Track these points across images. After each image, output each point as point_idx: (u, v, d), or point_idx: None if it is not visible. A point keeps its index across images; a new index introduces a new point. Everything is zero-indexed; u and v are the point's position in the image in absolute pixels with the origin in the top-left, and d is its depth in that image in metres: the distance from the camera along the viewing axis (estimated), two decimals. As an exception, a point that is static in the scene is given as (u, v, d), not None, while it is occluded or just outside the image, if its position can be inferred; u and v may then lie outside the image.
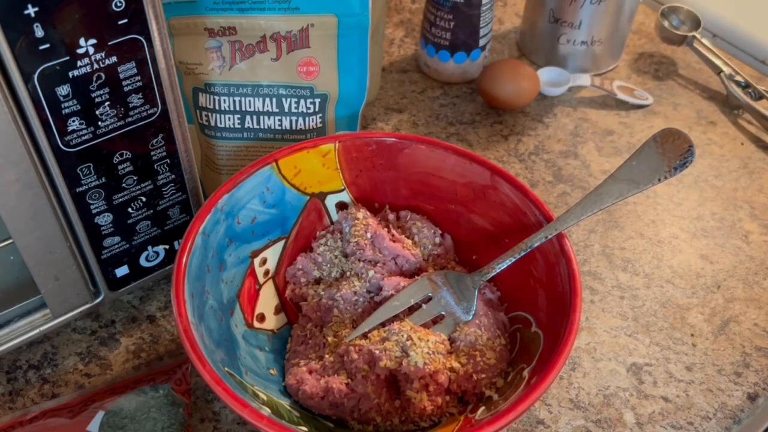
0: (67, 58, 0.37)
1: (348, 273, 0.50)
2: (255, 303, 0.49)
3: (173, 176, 0.46)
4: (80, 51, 0.37)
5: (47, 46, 0.36)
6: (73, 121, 0.39)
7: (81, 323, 0.52)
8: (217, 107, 0.55)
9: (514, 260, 0.47)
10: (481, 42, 0.71)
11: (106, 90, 0.39)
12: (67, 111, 0.39)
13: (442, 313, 0.47)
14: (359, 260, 0.50)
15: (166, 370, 0.49)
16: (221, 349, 0.43)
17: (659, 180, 0.47)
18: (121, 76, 0.39)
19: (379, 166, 0.52)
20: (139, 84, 0.40)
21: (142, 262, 0.49)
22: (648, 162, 0.48)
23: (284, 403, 0.44)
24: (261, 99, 0.55)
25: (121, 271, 0.48)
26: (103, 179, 0.43)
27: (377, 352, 0.44)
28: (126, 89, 0.40)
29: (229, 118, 0.55)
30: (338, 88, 0.56)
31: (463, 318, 0.47)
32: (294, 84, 0.55)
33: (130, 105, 0.41)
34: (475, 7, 0.68)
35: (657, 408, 0.49)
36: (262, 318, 0.49)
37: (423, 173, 0.52)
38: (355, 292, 0.48)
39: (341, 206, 0.53)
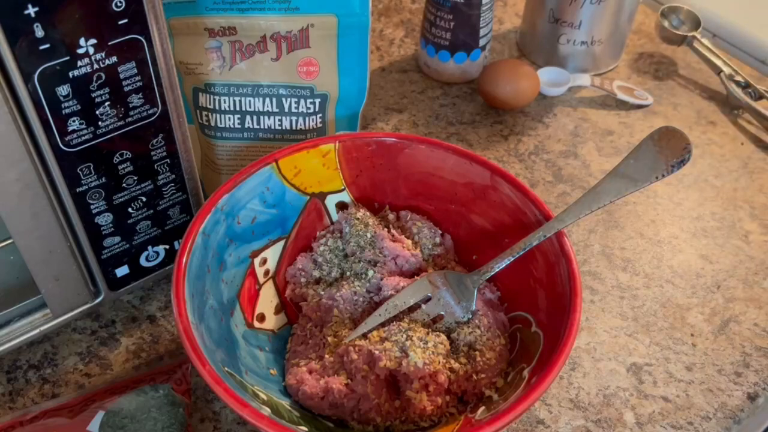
0: (67, 58, 0.37)
1: (348, 273, 0.50)
2: (255, 303, 0.49)
3: (173, 176, 0.46)
4: (80, 51, 0.37)
5: (47, 46, 0.36)
6: (73, 121, 0.39)
7: (81, 323, 0.52)
8: (217, 107, 0.55)
9: (512, 259, 0.47)
10: (481, 42, 0.71)
11: (106, 90, 0.39)
12: (67, 111, 0.39)
13: (442, 313, 0.47)
14: (359, 260, 0.50)
15: (166, 370, 0.49)
16: (221, 349, 0.43)
17: (657, 178, 0.47)
18: (121, 76, 0.39)
19: (379, 166, 0.52)
20: (139, 84, 0.40)
21: (142, 262, 0.49)
22: (645, 160, 0.48)
23: (284, 403, 0.44)
24: (261, 99, 0.55)
25: (121, 271, 0.48)
26: (103, 179, 0.43)
27: (377, 352, 0.44)
28: (126, 89, 0.40)
29: (229, 118, 0.55)
30: (338, 88, 0.56)
31: (462, 318, 0.47)
32: (294, 84, 0.55)
33: (130, 105, 0.41)
34: (475, 7, 0.68)
35: (657, 408, 0.49)
36: (262, 318, 0.49)
37: (423, 173, 0.52)
38: (355, 292, 0.48)
39: (341, 206, 0.53)
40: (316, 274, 0.51)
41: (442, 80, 0.74)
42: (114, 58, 0.38)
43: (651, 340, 0.53)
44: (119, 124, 0.41)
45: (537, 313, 0.46)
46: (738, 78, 0.73)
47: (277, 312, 0.51)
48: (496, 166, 0.50)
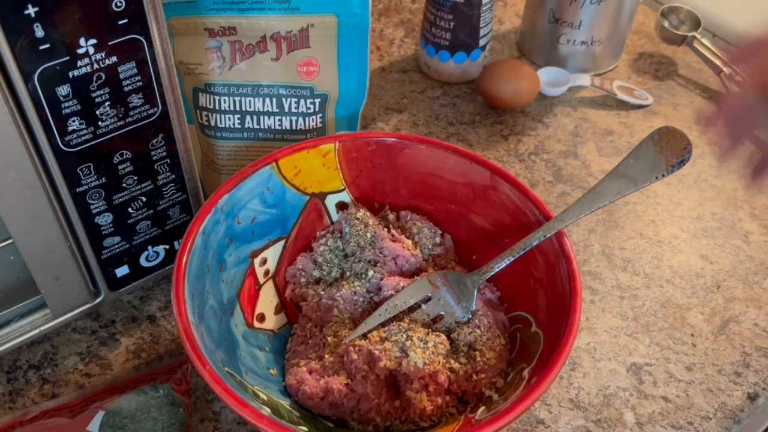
0: (67, 58, 0.37)
1: (348, 273, 0.50)
2: (255, 303, 0.49)
3: (173, 176, 0.46)
4: (80, 51, 0.37)
5: (47, 46, 0.36)
6: (73, 121, 0.39)
7: (81, 323, 0.52)
8: (217, 107, 0.55)
9: (512, 259, 0.47)
10: (481, 42, 0.71)
11: (106, 90, 0.39)
12: (67, 111, 0.39)
13: (442, 313, 0.47)
14: (359, 260, 0.50)
15: (167, 370, 0.49)
16: (221, 349, 0.43)
17: (657, 178, 0.47)
18: (121, 76, 0.39)
19: (379, 166, 0.52)
20: (139, 84, 0.40)
21: (142, 262, 0.49)
22: (646, 160, 0.48)
23: (284, 403, 0.44)
24: (261, 99, 0.55)
25: (121, 271, 0.48)
26: (103, 179, 0.43)
27: (377, 352, 0.44)
28: (126, 89, 0.40)
29: (229, 118, 0.55)
30: (338, 88, 0.56)
31: (462, 318, 0.47)
32: (294, 84, 0.55)
33: (130, 105, 0.41)
34: (475, 7, 0.68)
35: (657, 408, 0.49)
36: (262, 318, 0.49)
37: (423, 173, 0.52)
38: (355, 292, 0.48)
39: (341, 206, 0.53)
40: (316, 274, 0.51)
41: (442, 80, 0.74)
42: (114, 58, 0.38)
43: (651, 340, 0.53)
44: (119, 124, 0.41)
45: (537, 313, 0.46)
46: (738, 78, 0.72)
47: (277, 312, 0.51)
48: (496, 166, 0.50)
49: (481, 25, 0.69)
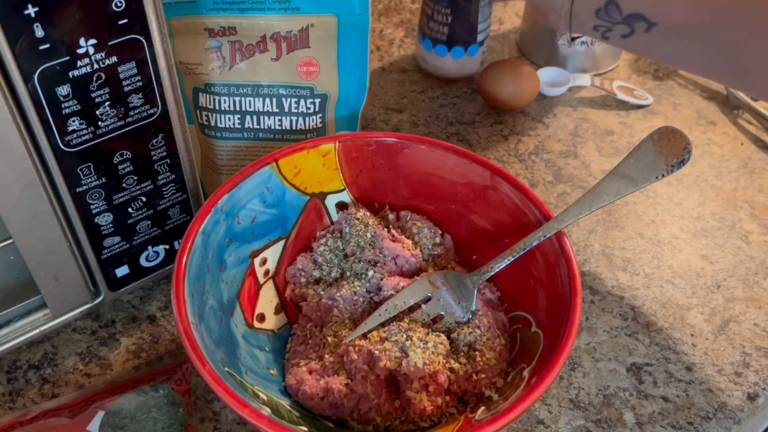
0: (67, 58, 0.37)
1: (348, 273, 0.50)
2: (255, 303, 0.49)
3: (173, 176, 0.46)
4: (80, 51, 0.37)
5: (47, 46, 0.36)
6: (73, 121, 0.39)
7: (81, 323, 0.52)
8: (217, 107, 0.55)
9: (512, 259, 0.47)
10: (479, 37, 0.71)
11: (106, 90, 0.39)
12: (67, 111, 0.39)
13: (442, 313, 0.47)
14: (359, 260, 0.50)
15: (166, 370, 0.49)
16: (221, 349, 0.43)
17: (657, 178, 0.47)
18: (121, 76, 0.39)
19: (379, 166, 0.52)
20: (139, 84, 0.40)
21: (142, 262, 0.49)
22: (645, 160, 0.48)
23: (284, 403, 0.44)
24: (261, 99, 0.55)
25: (121, 271, 0.48)
26: (104, 179, 0.43)
27: (377, 352, 0.44)
28: (126, 89, 0.40)
29: (229, 118, 0.55)
30: (338, 88, 0.56)
31: (462, 318, 0.47)
32: (294, 84, 0.55)
33: (130, 105, 0.41)
34: (473, 2, 0.68)
35: (657, 408, 0.49)
36: (262, 318, 0.49)
37: (423, 173, 0.52)
38: (355, 293, 0.48)
39: (341, 206, 0.53)
40: (316, 274, 0.51)
41: (440, 75, 0.74)
42: (114, 58, 0.38)
43: (651, 340, 0.53)
44: (119, 124, 0.41)
45: (537, 313, 0.46)
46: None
47: (277, 312, 0.51)
48: (496, 166, 0.50)
49: (479, 21, 0.69)
